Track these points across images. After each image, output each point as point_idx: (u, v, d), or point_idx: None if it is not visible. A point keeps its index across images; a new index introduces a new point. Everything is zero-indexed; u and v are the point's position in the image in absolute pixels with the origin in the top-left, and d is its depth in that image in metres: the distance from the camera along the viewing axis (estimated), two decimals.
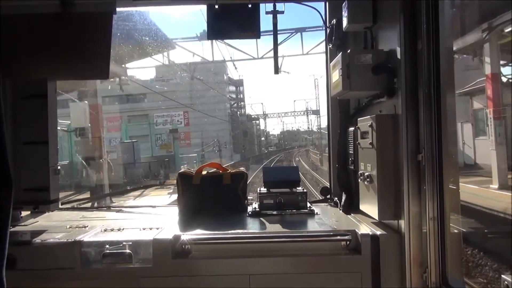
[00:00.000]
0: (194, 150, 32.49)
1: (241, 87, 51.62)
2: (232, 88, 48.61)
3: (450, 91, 1.95)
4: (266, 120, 62.96)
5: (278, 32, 2.94)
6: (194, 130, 37.52)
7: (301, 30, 19.35)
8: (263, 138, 67.08)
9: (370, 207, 2.29)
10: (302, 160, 39.31)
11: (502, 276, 1.54)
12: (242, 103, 52.68)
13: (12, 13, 2.06)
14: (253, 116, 57.84)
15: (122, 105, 34.30)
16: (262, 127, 65.73)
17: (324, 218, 2.51)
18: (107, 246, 2.13)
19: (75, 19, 2.21)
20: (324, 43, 3.02)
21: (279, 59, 3.14)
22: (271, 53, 3.10)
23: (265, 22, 2.82)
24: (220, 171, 2.81)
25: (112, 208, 3.19)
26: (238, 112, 50.99)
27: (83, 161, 14.56)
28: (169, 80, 38.42)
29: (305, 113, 59.68)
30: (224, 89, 43.31)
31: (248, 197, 2.86)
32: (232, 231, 2.22)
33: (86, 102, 14.50)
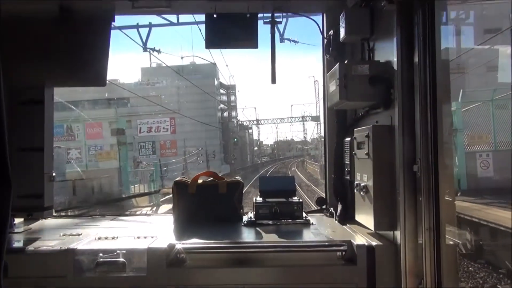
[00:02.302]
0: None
1: (232, 97, 51.50)
2: (223, 92, 48.47)
3: (446, 102, 2.11)
4: (260, 127, 62.39)
5: None
6: (179, 138, 36.86)
7: None
8: (256, 148, 66.77)
9: (366, 218, 2.43)
10: (298, 171, 39.08)
11: (498, 287, 1.67)
12: (233, 112, 52.50)
13: (10, 16, 2.16)
14: (245, 124, 57.49)
15: (103, 111, 33.59)
16: (255, 136, 65.39)
17: (320, 228, 2.65)
18: (101, 254, 2.23)
19: (73, 25, 2.33)
20: None
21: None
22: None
23: None
24: (216, 180, 2.96)
25: (106, 216, 3.30)
26: (232, 120, 50.68)
27: None
28: (155, 84, 38.19)
29: (302, 120, 58.56)
30: (215, 93, 42.98)
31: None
32: (227, 241, 2.35)
33: None
